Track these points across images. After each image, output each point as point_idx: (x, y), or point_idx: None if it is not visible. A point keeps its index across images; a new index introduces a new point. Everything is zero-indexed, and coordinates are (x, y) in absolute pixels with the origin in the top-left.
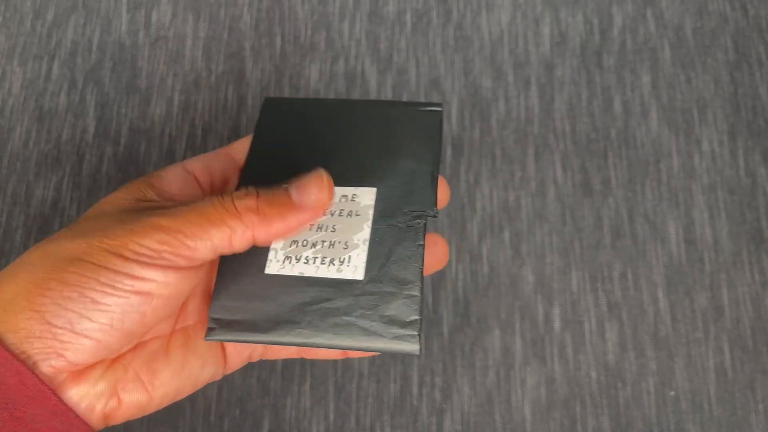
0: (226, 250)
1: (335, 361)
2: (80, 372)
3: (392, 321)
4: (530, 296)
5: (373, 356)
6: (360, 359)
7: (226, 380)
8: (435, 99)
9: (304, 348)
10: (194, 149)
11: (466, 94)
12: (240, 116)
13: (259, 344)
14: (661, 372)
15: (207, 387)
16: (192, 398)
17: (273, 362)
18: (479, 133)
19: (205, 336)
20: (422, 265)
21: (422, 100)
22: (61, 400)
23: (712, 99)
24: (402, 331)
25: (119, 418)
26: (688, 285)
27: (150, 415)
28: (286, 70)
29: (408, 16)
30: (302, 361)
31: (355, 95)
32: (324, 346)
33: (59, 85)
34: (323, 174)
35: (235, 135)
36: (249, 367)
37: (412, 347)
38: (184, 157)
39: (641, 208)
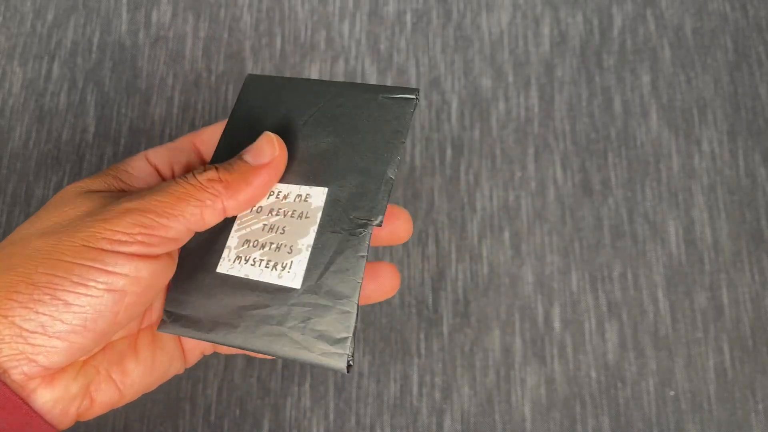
0: (200, 225)
1: None
2: (53, 376)
3: (322, 336)
4: (530, 296)
5: (373, 356)
6: (359, 359)
7: (226, 380)
8: (435, 99)
9: None
10: None
11: (466, 94)
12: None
13: None
14: (661, 372)
15: (207, 387)
16: (192, 398)
17: (273, 362)
18: (479, 133)
19: (157, 327)
20: (361, 279)
21: (421, 99)
22: (31, 409)
23: (712, 99)
24: (330, 348)
25: (90, 416)
26: (688, 285)
27: (150, 414)
28: (286, 70)
29: (408, 16)
30: None
31: None
32: (257, 351)
33: (59, 85)
34: (271, 135)
35: None
36: (249, 367)
37: (339, 365)
38: None
39: (641, 208)
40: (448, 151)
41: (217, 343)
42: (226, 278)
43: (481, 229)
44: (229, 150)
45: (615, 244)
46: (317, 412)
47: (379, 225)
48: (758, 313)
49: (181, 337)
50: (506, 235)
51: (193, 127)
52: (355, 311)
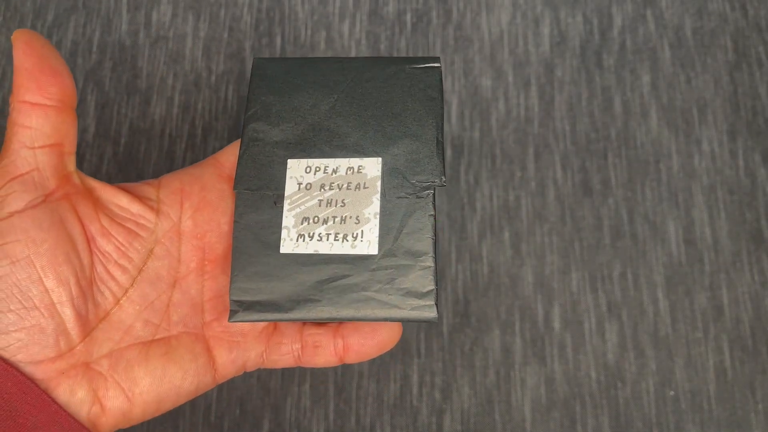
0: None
1: None
2: (57, 379)
3: (409, 293)
4: (530, 296)
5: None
6: None
7: (227, 380)
8: None
9: (302, 357)
10: (194, 149)
11: (466, 94)
12: (240, 116)
13: (257, 352)
14: (660, 372)
15: None
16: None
17: None
18: (479, 133)
19: (229, 318)
20: (435, 236)
21: None
22: (61, 407)
23: (712, 99)
24: (420, 302)
25: (106, 425)
26: (688, 285)
27: None
28: None
29: (408, 16)
30: None
31: None
32: (347, 319)
33: None
34: None
35: (235, 135)
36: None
37: (431, 314)
38: (184, 158)
39: (641, 208)
40: (448, 151)
41: (301, 320)
42: (295, 257)
43: (481, 229)
44: (257, 148)
45: (615, 244)
46: (317, 412)
47: (444, 185)
48: (758, 313)
49: (256, 322)
50: (506, 235)
51: (193, 127)
52: (434, 265)
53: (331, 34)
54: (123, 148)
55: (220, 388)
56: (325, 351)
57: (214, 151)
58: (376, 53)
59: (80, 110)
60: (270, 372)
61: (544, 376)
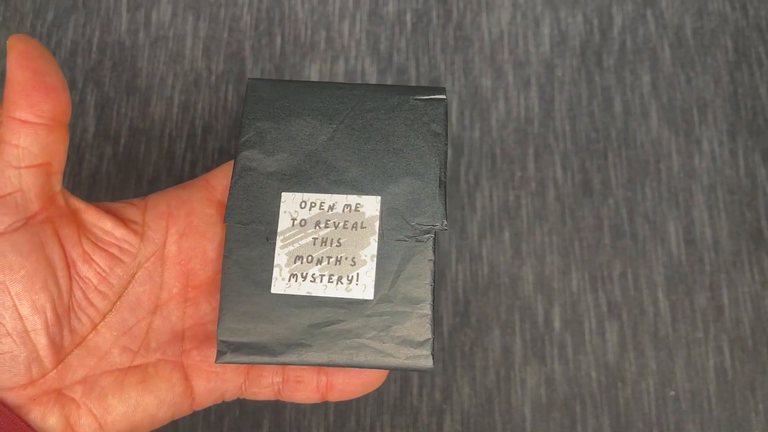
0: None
1: None
2: (28, 406)
3: (405, 341)
4: (530, 296)
5: None
6: None
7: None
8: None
9: (282, 391)
10: (194, 149)
11: (466, 94)
12: (238, 116)
13: (236, 384)
14: (661, 372)
15: None
16: None
17: None
18: (479, 133)
19: (216, 359)
20: (434, 282)
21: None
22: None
23: (712, 99)
24: (415, 351)
25: None
26: (688, 285)
27: None
28: (286, 70)
29: (408, 16)
30: None
31: None
32: (339, 365)
33: None
34: None
35: (235, 135)
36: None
37: (427, 365)
38: (184, 158)
39: (641, 208)
40: (449, 151)
41: (291, 364)
42: (286, 298)
43: (481, 229)
44: (248, 179)
45: (615, 244)
46: (317, 412)
47: (445, 229)
48: (758, 313)
49: (244, 365)
50: (506, 235)
51: (193, 127)
52: (432, 313)
53: (331, 34)
54: (123, 148)
55: None
56: (306, 387)
57: (213, 152)
58: (376, 53)
59: (80, 110)
60: None
61: (544, 376)
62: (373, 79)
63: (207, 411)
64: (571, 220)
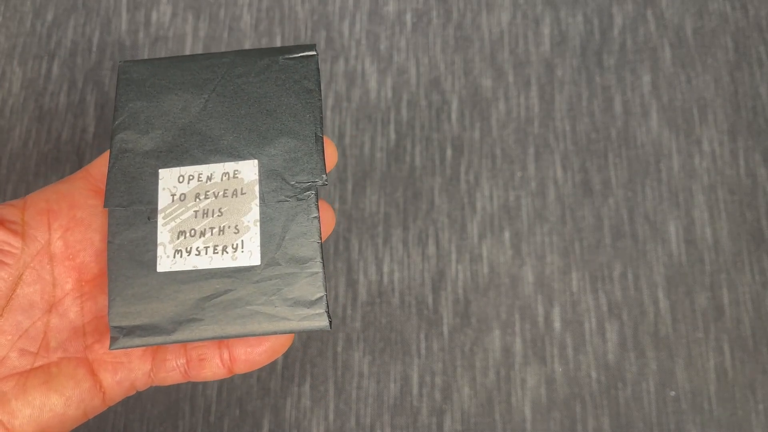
0: None
1: (335, 361)
2: None
3: (297, 302)
4: (530, 296)
5: (373, 356)
6: (359, 359)
7: (226, 380)
8: (435, 99)
9: (189, 371)
10: None
11: (466, 94)
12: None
13: (143, 371)
14: (661, 372)
15: (207, 387)
16: (192, 398)
17: (273, 362)
18: (479, 133)
19: (110, 346)
20: (320, 239)
21: (422, 99)
22: None
23: (713, 99)
24: (309, 311)
25: None
26: (689, 285)
27: (149, 414)
28: None
29: (408, 16)
30: (302, 361)
31: (355, 95)
32: (233, 336)
33: (59, 85)
34: None
35: None
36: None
37: (322, 323)
38: None
39: (641, 208)
40: (448, 151)
41: (186, 341)
42: (173, 275)
43: (481, 229)
44: (126, 158)
45: (615, 244)
46: (317, 413)
47: (325, 184)
48: (759, 313)
49: (134, 349)
50: (506, 235)
51: None
52: (322, 270)
53: (331, 34)
54: None
55: (220, 388)
56: (211, 363)
57: None
58: (376, 53)
59: (80, 110)
60: (270, 372)
61: (545, 376)
62: (373, 79)
63: (207, 411)
64: (571, 220)
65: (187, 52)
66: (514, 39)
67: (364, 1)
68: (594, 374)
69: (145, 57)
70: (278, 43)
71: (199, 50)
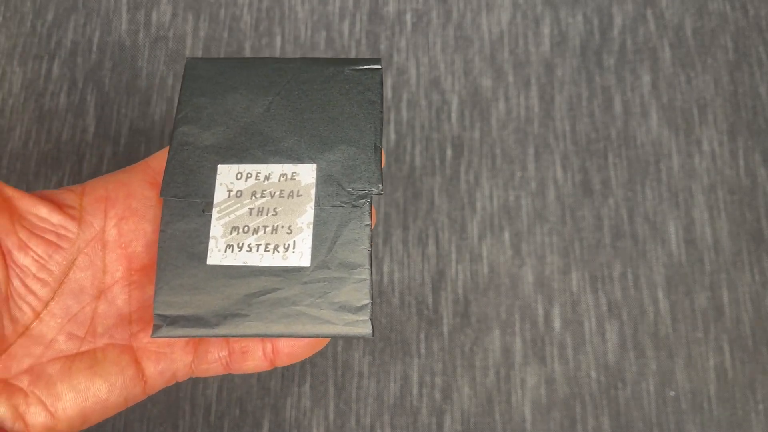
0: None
1: (335, 361)
2: None
3: (343, 307)
4: (530, 296)
5: (373, 356)
6: (359, 359)
7: (226, 380)
8: (435, 99)
9: (231, 364)
10: None
11: (466, 94)
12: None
13: (185, 362)
14: (661, 372)
15: (207, 387)
16: (192, 398)
17: None
18: (479, 133)
19: (152, 333)
20: (371, 247)
21: (422, 99)
22: None
23: (712, 99)
24: (354, 317)
25: None
26: (688, 285)
27: (150, 414)
28: None
29: (408, 16)
30: (302, 361)
31: None
32: (276, 335)
33: (59, 85)
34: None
35: None
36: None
37: (365, 331)
38: None
39: (641, 208)
40: (448, 151)
41: (228, 336)
42: (222, 269)
43: (481, 229)
44: (186, 151)
45: (615, 244)
46: (317, 412)
47: (381, 194)
48: (758, 313)
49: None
50: (506, 235)
51: None
52: (370, 278)
53: (331, 34)
54: (123, 148)
55: (220, 388)
56: (254, 356)
57: None
58: (376, 53)
59: (80, 110)
60: (270, 372)
61: (545, 376)
62: None
63: (207, 411)
64: (571, 220)
65: (187, 53)
66: (514, 39)
67: (364, 1)
68: (594, 374)
69: (145, 57)
70: (278, 43)
71: (199, 50)
